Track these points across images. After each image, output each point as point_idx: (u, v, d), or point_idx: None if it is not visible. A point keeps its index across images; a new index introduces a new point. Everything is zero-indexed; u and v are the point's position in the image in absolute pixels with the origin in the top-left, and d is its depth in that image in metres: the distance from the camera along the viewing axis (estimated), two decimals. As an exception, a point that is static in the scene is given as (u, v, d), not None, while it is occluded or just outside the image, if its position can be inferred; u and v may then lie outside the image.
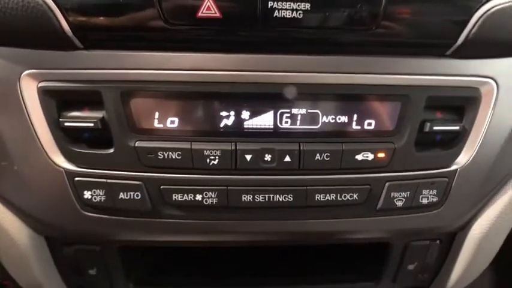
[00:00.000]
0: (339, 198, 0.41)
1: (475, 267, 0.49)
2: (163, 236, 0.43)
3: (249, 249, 0.55)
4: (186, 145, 0.38)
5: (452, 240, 0.48)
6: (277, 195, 0.40)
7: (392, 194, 0.41)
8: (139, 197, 0.39)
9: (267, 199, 0.40)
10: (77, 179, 0.39)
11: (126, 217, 0.41)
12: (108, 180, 0.39)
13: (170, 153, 0.38)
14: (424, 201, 0.42)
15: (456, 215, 0.44)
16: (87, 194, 0.40)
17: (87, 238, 0.44)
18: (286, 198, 0.40)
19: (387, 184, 0.41)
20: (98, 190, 0.39)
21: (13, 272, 0.47)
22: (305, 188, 0.40)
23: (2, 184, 0.40)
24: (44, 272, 0.45)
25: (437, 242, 0.47)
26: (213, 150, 0.38)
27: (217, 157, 0.38)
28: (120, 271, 0.47)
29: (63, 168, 0.39)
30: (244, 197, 0.40)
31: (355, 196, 0.41)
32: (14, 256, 0.44)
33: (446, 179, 0.41)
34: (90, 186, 0.39)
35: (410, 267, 0.48)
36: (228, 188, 0.40)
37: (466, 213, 0.44)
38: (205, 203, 0.40)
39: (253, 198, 0.40)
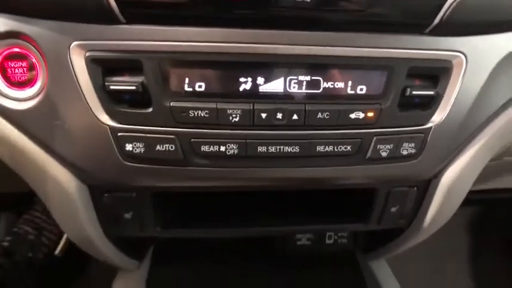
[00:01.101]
0: (335, 150, 0.50)
1: (446, 210, 0.61)
2: (192, 182, 0.52)
3: (259, 196, 0.65)
4: (212, 105, 0.47)
5: (427, 187, 0.58)
6: (286, 147, 0.50)
7: (378, 146, 0.51)
8: (173, 149, 0.48)
9: (278, 150, 0.50)
10: (119, 134, 0.47)
11: (161, 165, 0.49)
12: (147, 135, 0.47)
13: (199, 111, 0.47)
14: (404, 152, 0.52)
15: (431, 165, 0.54)
16: (128, 147, 0.48)
17: (125, 186, 0.52)
18: (294, 149, 0.50)
19: (375, 138, 0.51)
20: (138, 143, 0.48)
21: (61, 221, 0.55)
22: (309, 141, 0.49)
23: (55, 141, 0.48)
24: (87, 218, 0.54)
25: (415, 188, 0.58)
26: (235, 109, 0.47)
27: (238, 115, 0.47)
28: (151, 215, 0.56)
29: (108, 125, 0.47)
30: (260, 148, 0.49)
31: (348, 148, 0.50)
32: (63, 204, 0.53)
33: (423, 135, 0.51)
34: (131, 140, 0.48)
35: (393, 209, 0.59)
36: (247, 141, 0.49)
37: (439, 163, 0.54)
38: (227, 153, 0.49)
39: (267, 149, 0.49)
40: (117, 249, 0.64)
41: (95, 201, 0.55)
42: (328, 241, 0.77)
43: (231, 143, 0.49)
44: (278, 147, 0.49)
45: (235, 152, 0.49)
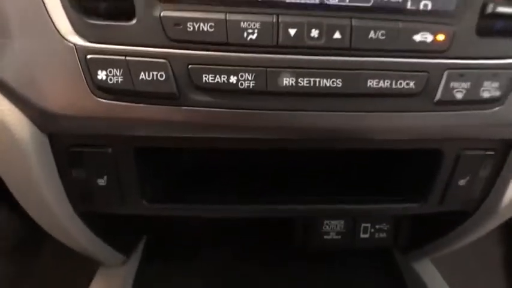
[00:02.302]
0: (393, 86, 0.36)
1: None
2: (188, 130, 0.37)
3: (276, 165, 0.51)
4: (220, 15, 0.33)
5: (507, 153, 0.43)
6: (324, 80, 0.35)
7: (452, 84, 0.37)
8: (163, 78, 0.34)
9: (312, 83, 0.35)
10: (89, 56, 0.34)
11: (146, 103, 0.35)
12: (128, 58, 0.34)
13: (201, 24, 0.33)
14: (486, 94, 0.37)
15: None
16: (101, 75, 0.34)
17: (97, 135, 0.38)
18: (334, 83, 0.35)
19: (446, 72, 0.36)
20: (115, 70, 0.34)
21: (12, 182, 0.41)
22: (356, 71, 0.35)
23: (2, 66, 0.35)
24: (47, 183, 0.40)
25: (492, 152, 0.43)
26: (252, 22, 0.33)
27: (256, 30, 0.33)
28: (133, 182, 0.41)
29: (74, 44, 0.33)
30: (286, 80, 0.35)
31: (411, 84, 0.36)
32: (15, 162, 0.38)
33: (510, 71, 0.38)
34: (105, 64, 0.34)
35: (461, 182, 0.44)
36: (268, 69, 0.34)
37: None
38: (240, 86, 0.34)
39: (296, 82, 0.35)
40: (93, 233, 0.49)
41: (58, 160, 0.40)
42: (363, 235, 0.61)
43: (245, 71, 0.34)
44: (312, 79, 0.35)
45: (251, 84, 0.34)
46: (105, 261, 0.57)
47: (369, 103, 0.37)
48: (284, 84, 0.35)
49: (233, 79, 0.35)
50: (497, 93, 0.38)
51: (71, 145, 0.39)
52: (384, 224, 0.59)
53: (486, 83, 0.37)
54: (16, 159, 0.38)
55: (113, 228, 0.54)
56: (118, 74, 0.34)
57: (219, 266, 0.62)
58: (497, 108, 0.39)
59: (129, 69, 0.34)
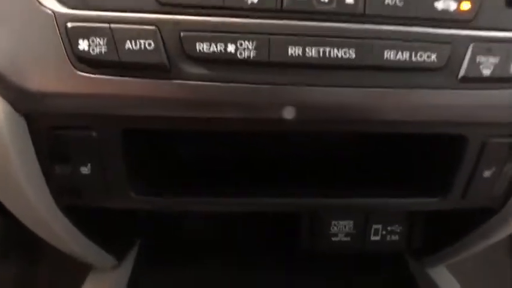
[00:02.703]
0: (413, 59, 0.32)
1: None
2: (180, 108, 0.33)
3: (282, 157, 0.46)
4: None
5: None
6: (335, 49, 0.31)
7: (478, 59, 0.32)
8: (151, 47, 0.30)
9: (321, 54, 0.31)
10: (70, 24, 0.30)
11: (132, 77, 0.31)
12: (112, 25, 0.30)
13: None
14: None
15: None
16: (83, 45, 0.30)
17: (79, 114, 0.33)
18: (347, 54, 0.31)
19: (472, 45, 0.32)
20: (98, 39, 0.30)
21: None
22: (371, 40, 0.31)
23: None
24: (25, 172, 0.35)
25: None
26: None
27: None
28: (120, 170, 0.37)
29: (52, 11, 0.30)
30: (292, 49, 0.31)
31: (433, 57, 0.32)
32: None
33: None
34: (87, 33, 0.30)
35: (487, 173, 0.39)
36: (271, 36, 0.30)
37: None
38: (239, 56, 0.30)
39: (303, 51, 0.31)
40: (80, 233, 0.44)
41: (37, 145, 0.36)
42: (373, 237, 0.56)
43: (245, 39, 0.30)
44: (321, 48, 0.31)
45: (252, 54, 0.30)
46: (96, 264, 0.52)
47: (385, 77, 0.32)
48: (289, 54, 0.31)
49: (231, 48, 0.31)
50: (529, 69, 0.34)
51: (50, 128, 0.35)
52: (397, 226, 0.54)
53: (517, 58, 0.34)
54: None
55: (102, 228, 0.49)
56: (101, 43, 0.30)
57: (215, 271, 0.57)
58: (529, 87, 0.35)
59: (114, 38, 0.30)
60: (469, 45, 0.32)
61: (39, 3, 0.30)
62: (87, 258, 0.49)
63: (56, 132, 0.35)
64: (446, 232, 0.52)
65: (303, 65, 0.31)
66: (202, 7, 0.30)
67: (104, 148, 0.35)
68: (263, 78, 0.32)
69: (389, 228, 0.54)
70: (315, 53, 0.31)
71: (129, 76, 0.31)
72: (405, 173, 0.47)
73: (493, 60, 0.33)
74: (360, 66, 0.32)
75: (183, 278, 0.57)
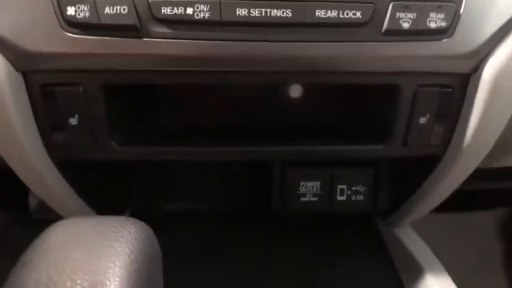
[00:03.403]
0: (341, 16, 0.39)
1: (494, 120, 0.45)
2: (150, 62, 0.40)
3: (250, 111, 0.53)
4: None
5: (465, 87, 0.45)
6: (274, 10, 0.38)
7: (398, 14, 0.39)
8: (125, 11, 0.37)
9: (263, 14, 0.38)
10: None
11: (110, 37, 0.38)
12: None
13: None
14: (432, 25, 0.39)
15: (468, 46, 0.41)
16: (70, 10, 0.38)
17: (68, 70, 0.40)
18: (284, 14, 0.38)
19: (392, 4, 0.39)
20: (83, 5, 0.37)
21: None
22: (304, 2, 0.38)
23: None
24: (22, 123, 0.42)
25: (450, 89, 0.45)
26: None
27: None
28: (103, 121, 0.43)
29: None
30: (239, 10, 0.38)
31: (358, 14, 0.39)
32: None
33: (454, 4, 0.40)
34: (74, 1, 0.37)
35: (422, 120, 0.44)
36: (222, 0, 0.38)
37: (479, 46, 0.41)
38: (196, 17, 0.38)
39: (249, 12, 0.38)
40: (74, 191, 0.50)
41: (32, 99, 0.43)
42: (339, 197, 0.61)
43: (201, 3, 0.37)
44: (263, 9, 0.38)
45: (206, 15, 0.38)
46: None
47: (319, 33, 0.39)
48: (237, 14, 0.38)
49: (189, 10, 0.38)
50: (443, 24, 0.40)
51: (43, 84, 0.42)
52: (361, 186, 0.59)
53: (432, 14, 0.40)
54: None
55: (96, 191, 0.56)
56: (85, 9, 0.38)
57: (199, 238, 0.62)
58: (445, 40, 0.41)
59: (95, 4, 0.38)
60: (390, 3, 0.39)
61: None
62: (72, 209, 0.55)
63: (48, 88, 0.42)
64: (403, 188, 0.57)
65: (248, 23, 0.38)
66: None
67: (88, 102, 0.42)
68: (217, 35, 0.39)
69: (353, 188, 0.59)
70: (258, 13, 0.38)
71: (107, 36, 0.39)
72: (354, 124, 0.53)
73: (411, 15, 0.39)
74: (295, 23, 0.39)
75: (170, 246, 0.62)
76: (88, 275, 0.21)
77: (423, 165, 0.52)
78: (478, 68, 0.43)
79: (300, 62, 0.41)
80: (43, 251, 0.22)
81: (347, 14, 0.39)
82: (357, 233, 0.62)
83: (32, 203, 1.01)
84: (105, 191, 0.58)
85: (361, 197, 0.60)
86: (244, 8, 0.38)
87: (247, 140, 0.49)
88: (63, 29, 0.38)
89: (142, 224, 0.26)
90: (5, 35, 0.39)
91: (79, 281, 0.21)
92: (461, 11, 0.40)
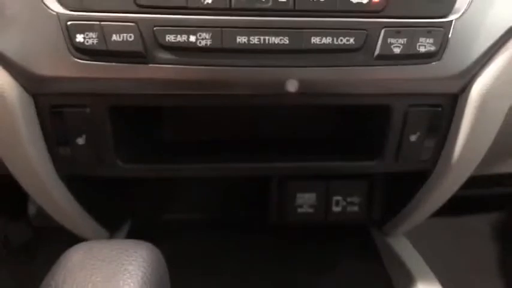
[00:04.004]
0: (335, 42, 0.41)
1: (482, 137, 0.48)
2: (155, 86, 0.42)
3: (250, 130, 0.55)
4: None
5: (454, 106, 0.47)
6: (273, 37, 0.41)
7: (389, 40, 0.42)
8: (132, 39, 0.40)
9: (262, 41, 0.41)
10: (69, 22, 0.40)
11: (117, 62, 0.41)
12: (101, 23, 0.40)
13: None
14: (422, 49, 0.42)
15: (456, 68, 0.44)
16: (79, 38, 0.40)
17: (76, 93, 0.43)
18: (282, 41, 0.41)
19: (383, 30, 0.41)
20: (91, 33, 0.40)
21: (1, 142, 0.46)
22: (300, 30, 0.41)
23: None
24: (32, 142, 0.44)
25: (439, 108, 0.47)
26: None
27: None
28: (109, 141, 0.46)
29: (56, 12, 0.40)
30: (239, 38, 0.40)
31: (351, 40, 0.41)
32: (2, 117, 0.43)
33: (443, 29, 0.42)
34: (82, 29, 0.40)
35: (413, 138, 0.47)
36: (223, 29, 0.40)
37: (467, 67, 0.44)
38: (199, 44, 0.40)
39: (248, 39, 0.40)
40: (77, 202, 0.53)
41: (42, 121, 0.45)
42: (335, 208, 0.64)
43: (203, 31, 0.40)
44: (262, 37, 0.40)
45: (208, 42, 0.40)
46: (89, 237, 0.60)
47: (315, 58, 0.42)
48: (237, 42, 0.41)
49: (192, 38, 0.40)
50: (432, 48, 0.43)
51: (52, 106, 0.44)
52: (356, 197, 0.62)
53: (422, 39, 0.43)
54: (4, 118, 0.43)
55: (98, 203, 0.58)
56: (94, 36, 0.40)
57: (197, 247, 0.65)
58: (435, 63, 0.43)
59: (103, 32, 0.40)
60: (381, 30, 0.42)
61: (46, 6, 0.40)
62: (81, 229, 0.58)
63: (57, 110, 0.44)
64: (396, 200, 0.60)
65: (248, 50, 0.41)
66: (170, 7, 0.40)
67: (95, 122, 0.45)
68: (218, 61, 0.41)
69: (349, 199, 0.62)
70: (257, 41, 0.41)
71: (115, 62, 0.41)
72: (350, 142, 0.56)
73: (402, 41, 0.42)
74: (293, 50, 0.41)
75: (170, 254, 0.65)
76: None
77: (415, 179, 0.54)
78: (466, 88, 0.46)
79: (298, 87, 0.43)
80: (64, 275, 0.24)
81: (341, 40, 0.42)
82: (352, 243, 0.65)
83: (32, 210, 1.04)
84: (106, 201, 0.61)
85: (356, 208, 0.63)
86: (244, 35, 0.41)
87: (247, 157, 0.51)
88: (72, 55, 0.41)
89: (151, 247, 0.28)
90: (17, 60, 0.41)
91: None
92: (449, 35, 0.43)
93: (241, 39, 0.41)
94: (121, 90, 0.43)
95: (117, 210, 0.65)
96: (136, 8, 0.40)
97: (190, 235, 0.68)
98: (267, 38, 0.41)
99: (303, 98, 0.46)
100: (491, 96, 0.45)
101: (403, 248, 0.62)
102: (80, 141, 0.46)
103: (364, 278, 0.60)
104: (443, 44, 0.43)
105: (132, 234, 0.67)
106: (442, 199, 0.55)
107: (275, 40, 0.41)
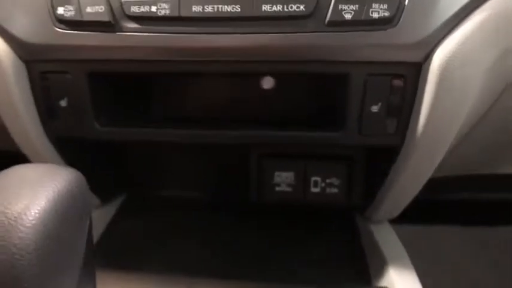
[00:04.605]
0: (285, 9, 0.43)
1: (448, 110, 0.46)
2: (121, 52, 0.47)
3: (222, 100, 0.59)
4: None
5: (417, 79, 0.46)
6: (225, 6, 0.44)
7: (340, 6, 0.43)
8: (102, 10, 0.45)
9: (215, 9, 0.44)
10: None
11: (90, 31, 0.46)
12: None
13: None
14: (375, 15, 0.42)
15: (415, 35, 0.43)
16: (60, 10, 0.46)
17: (58, 59, 0.49)
18: (234, 9, 0.44)
19: None
20: (70, 6, 0.46)
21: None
22: None
23: None
24: (22, 101, 0.51)
25: (401, 78, 0.46)
26: None
27: None
28: (88, 104, 0.51)
29: None
30: (195, 7, 0.44)
31: (302, 7, 0.43)
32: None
33: None
34: (63, 2, 0.46)
35: (374, 108, 0.47)
36: None
37: (427, 35, 0.43)
38: (159, 14, 0.44)
39: (203, 8, 0.44)
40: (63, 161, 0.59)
41: (32, 86, 0.52)
42: (314, 189, 0.63)
43: (162, 2, 0.44)
44: (215, 6, 0.44)
45: (167, 12, 0.44)
46: None
47: (266, 25, 0.44)
48: (193, 10, 0.44)
49: (153, 8, 0.45)
50: (386, 14, 0.43)
51: (41, 72, 0.51)
52: (335, 179, 0.61)
53: (375, 5, 0.43)
54: (0, 81, 0.51)
55: (91, 169, 0.63)
56: (72, 9, 0.46)
57: (184, 221, 0.68)
58: (390, 30, 0.43)
59: (79, 5, 0.46)
60: None
61: None
62: None
63: (44, 75, 0.51)
64: (373, 181, 0.58)
65: (203, 18, 0.44)
66: None
67: (76, 87, 0.51)
68: (177, 29, 0.45)
69: (327, 180, 0.61)
70: (211, 9, 0.44)
71: (88, 31, 0.47)
72: (318, 113, 0.56)
73: (353, 7, 0.43)
74: (244, 17, 0.44)
75: (160, 230, 0.68)
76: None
77: (386, 156, 0.53)
78: (428, 57, 0.45)
79: (250, 52, 0.46)
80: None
81: (291, 7, 0.43)
82: (335, 227, 0.64)
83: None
84: (101, 171, 0.66)
85: (336, 190, 0.62)
86: (199, 4, 0.44)
87: (221, 126, 0.54)
88: (54, 25, 0.47)
89: (75, 171, 0.31)
90: (12, 31, 0.49)
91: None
92: (406, 1, 0.43)
93: (197, 8, 0.44)
94: (95, 56, 0.48)
95: (111, 182, 0.71)
96: None
97: (179, 209, 0.71)
98: (220, 6, 0.44)
99: (260, 65, 0.48)
100: (453, 66, 0.43)
101: (384, 234, 0.59)
102: (63, 103, 0.52)
103: (340, 263, 0.58)
104: (399, 9, 0.43)
105: (124, 207, 0.72)
106: (417, 178, 0.53)
107: (227, 8, 0.44)
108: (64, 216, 0.29)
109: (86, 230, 0.32)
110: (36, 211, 0.27)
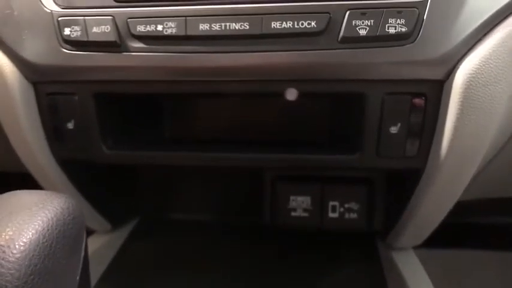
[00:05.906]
0: (296, 26, 0.41)
1: (473, 131, 0.42)
2: (128, 72, 0.46)
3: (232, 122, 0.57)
4: None
5: (439, 96, 0.43)
6: (233, 23, 0.42)
7: (354, 22, 0.41)
8: (108, 30, 0.45)
9: (223, 27, 0.43)
10: (60, 18, 0.47)
11: (96, 52, 0.46)
12: (85, 17, 0.46)
13: None
14: (391, 30, 0.40)
15: (435, 51, 0.40)
16: (66, 31, 0.46)
17: (65, 80, 0.49)
18: (242, 26, 0.42)
19: (348, 12, 0.41)
20: (76, 26, 0.46)
21: (6, 126, 0.53)
22: (260, 16, 0.42)
23: (4, 30, 0.49)
24: (29, 122, 0.51)
25: (422, 97, 0.43)
26: None
27: None
28: (95, 126, 0.51)
29: (51, 10, 0.47)
30: (202, 26, 0.43)
31: (313, 24, 0.41)
32: (6, 102, 0.50)
33: (416, 9, 0.40)
34: (69, 23, 0.46)
35: (393, 129, 0.44)
36: (187, 18, 0.43)
37: (448, 50, 0.40)
38: (165, 32, 0.44)
39: (210, 27, 0.43)
40: (75, 189, 0.58)
41: (40, 107, 0.51)
42: (331, 214, 0.60)
43: (169, 20, 0.43)
44: (223, 23, 0.42)
45: (174, 31, 0.43)
46: (88, 225, 0.64)
47: (276, 43, 0.42)
48: (201, 29, 0.43)
49: (159, 27, 0.44)
50: (403, 29, 0.40)
51: (48, 93, 0.51)
52: (354, 204, 0.57)
53: (391, 20, 0.41)
54: (8, 103, 0.50)
55: (101, 193, 0.63)
56: (78, 29, 0.46)
57: (199, 249, 0.65)
58: (408, 46, 0.41)
59: (85, 25, 0.46)
60: (346, 12, 0.41)
61: (43, 5, 0.47)
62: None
63: (52, 97, 0.51)
64: (395, 205, 0.54)
65: (210, 37, 0.43)
66: (142, 0, 0.45)
67: (82, 108, 0.50)
68: (184, 48, 0.44)
69: (346, 205, 0.58)
70: (218, 27, 0.43)
71: (94, 51, 0.46)
72: (335, 135, 0.54)
73: (368, 22, 0.41)
74: (253, 35, 0.42)
75: (171, 254, 0.66)
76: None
77: (408, 180, 0.49)
78: (450, 74, 0.42)
79: (259, 71, 0.44)
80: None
81: (302, 24, 0.42)
82: (356, 254, 0.60)
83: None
84: (111, 196, 0.65)
85: (355, 215, 0.58)
86: (206, 23, 0.43)
87: (233, 148, 0.52)
88: (61, 46, 0.47)
89: (67, 198, 0.30)
90: (19, 52, 0.49)
91: None
92: (425, 15, 0.41)
93: (204, 27, 0.43)
94: (101, 77, 0.48)
95: (123, 206, 0.70)
96: (114, 3, 0.45)
97: (192, 235, 0.69)
98: (227, 24, 0.43)
99: (270, 84, 0.46)
100: (477, 84, 0.41)
101: (407, 263, 0.55)
102: (70, 125, 0.52)
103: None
104: (417, 24, 0.40)
105: (136, 231, 0.70)
106: (442, 203, 0.49)
107: (235, 26, 0.43)
108: (52, 250, 0.28)
109: (79, 264, 0.31)
110: (22, 243, 0.26)
